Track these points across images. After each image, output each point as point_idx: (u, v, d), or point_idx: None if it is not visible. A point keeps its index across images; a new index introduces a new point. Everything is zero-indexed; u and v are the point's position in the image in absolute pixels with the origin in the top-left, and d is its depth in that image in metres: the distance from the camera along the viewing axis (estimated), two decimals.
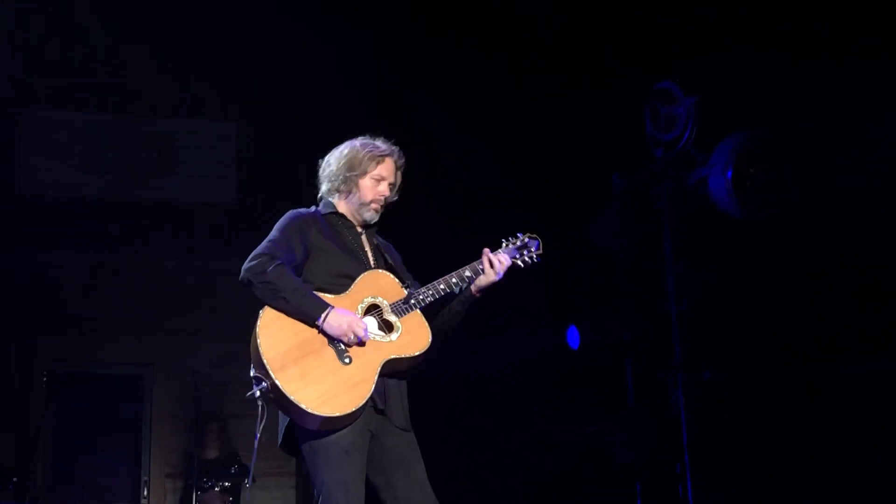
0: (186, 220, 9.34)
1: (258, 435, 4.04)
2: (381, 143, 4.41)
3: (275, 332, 3.96)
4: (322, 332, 3.99)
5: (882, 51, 6.72)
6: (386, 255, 4.38)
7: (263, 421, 4.01)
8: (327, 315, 3.97)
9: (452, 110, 8.22)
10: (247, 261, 4.07)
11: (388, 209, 4.42)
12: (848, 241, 7.03)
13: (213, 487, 8.55)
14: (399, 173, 4.41)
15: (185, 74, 8.47)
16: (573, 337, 7.48)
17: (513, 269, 4.33)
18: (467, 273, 4.26)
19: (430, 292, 4.17)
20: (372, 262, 4.30)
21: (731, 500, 6.98)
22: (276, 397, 3.91)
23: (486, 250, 4.30)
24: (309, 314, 3.98)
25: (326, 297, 4.05)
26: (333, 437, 3.93)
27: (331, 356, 3.97)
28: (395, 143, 4.46)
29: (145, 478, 9.46)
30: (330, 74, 8.38)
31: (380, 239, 4.47)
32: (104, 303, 9.53)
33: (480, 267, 4.26)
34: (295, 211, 4.32)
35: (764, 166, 7.04)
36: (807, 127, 7.18)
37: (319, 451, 3.97)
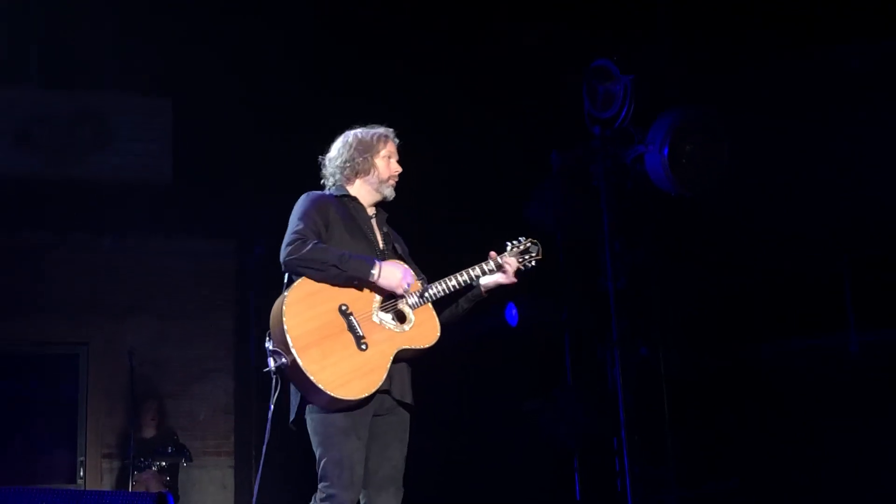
0: (121, 198, 9.21)
1: (272, 406, 4.20)
2: (379, 127, 4.61)
3: (300, 312, 4.12)
4: (343, 313, 4.16)
5: (815, 24, 6.80)
6: (395, 244, 4.53)
7: (277, 392, 4.17)
8: (381, 269, 4.18)
9: (385, 86, 8.18)
10: (282, 249, 4.22)
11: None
12: (784, 218, 7.12)
13: (150, 467, 8.48)
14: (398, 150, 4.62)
15: (118, 49, 8.35)
16: (511, 314, 7.51)
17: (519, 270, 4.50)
18: (476, 272, 4.41)
19: (442, 288, 4.33)
20: (381, 246, 4.46)
21: (667, 474, 7.06)
22: (294, 374, 4.09)
23: (493, 253, 4.47)
24: (362, 274, 4.17)
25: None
26: (334, 417, 4.14)
27: (349, 341, 4.14)
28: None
29: (81, 458, 9.35)
30: (266, 49, 8.29)
31: (389, 227, 4.61)
32: (38, 282, 9.38)
33: (488, 268, 4.43)
34: (310, 193, 4.46)
35: (700, 143, 7.10)
36: (742, 103, 7.25)
37: (320, 431, 4.18)
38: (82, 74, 8.95)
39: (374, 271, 4.17)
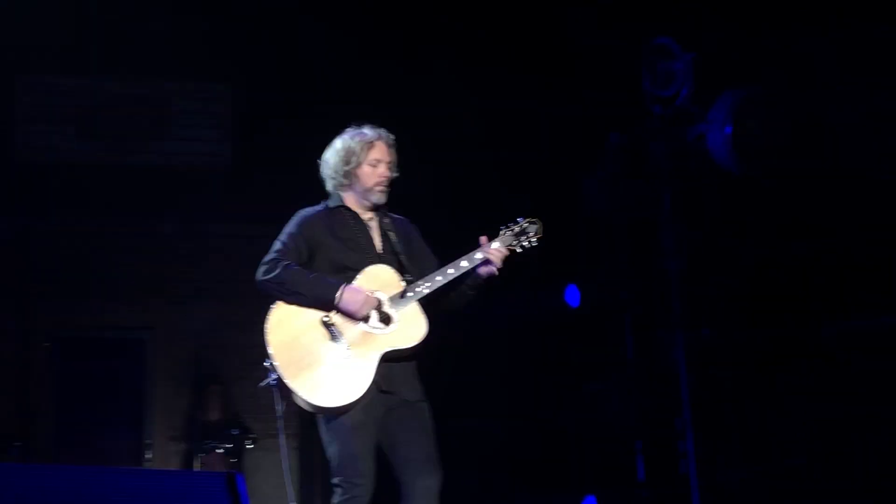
0: (182, 184, 9.31)
1: (280, 416, 4.56)
2: (367, 130, 4.59)
3: (283, 330, 4.32)
4: (325, 325, 4.31)
5: (882, 7, 6.67)
6: (394, 241, 4.54)
7: (282, 406, 4.47)
8: (342, 293, 4.28)
9: (439, 67, 8.17)
10: (258, 268, 4.42)
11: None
12: (848, 196, 7.01)
13: (215, 450, 8.58)
14: (392, 150, 4.58)
15: (177, 36, 8.41)
16: (573, 296, 7.49)
17: (511, 254, 4.47)
18: (463, 263, 4.42)
19: (427, 284, 4.38)
20: (379, 250, 4.51)
21: (730, 455, 7.02)
22: (284, 389, 4.31)
23: (483, 239, 4.45)
24: (325, 298, 4.29)
25: None
26: (342, 417, 4.28)
27: (332, 351, 4.29)
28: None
29: (148, 441, 9.49)
30: (324, 34, 8.31)
31: (394, 217, 4.65)
32: (102, 268, 9.50)
33: (477, 256, 4.42)
34: (302, 211, 4.58)
35: (763, 121, 7.01)
36: (806, 81, 7.15)
37: (330, 428, 4.34)
38: (142, 62, 9.02)
39: (337, 295, 4.27)
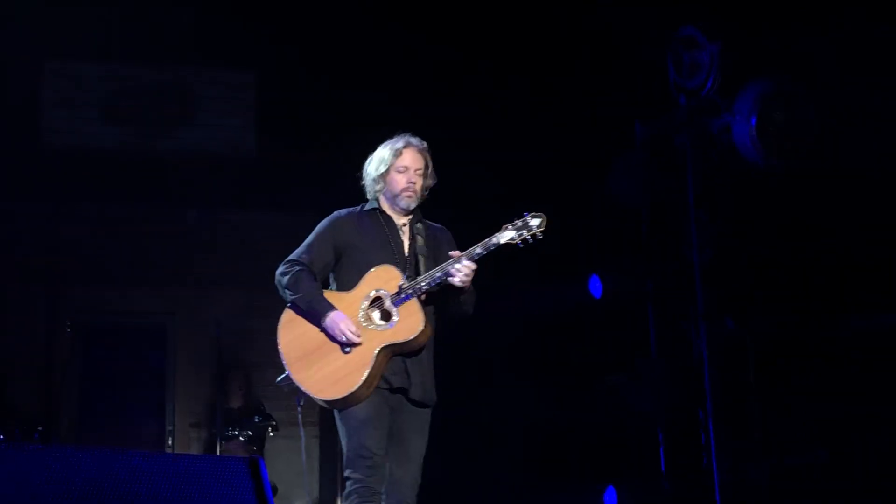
0: (206, 171, 9.32)
1: (300, 410, 5.44)
2: (398, 138, 4.83)
3: (292, 329, 4.66)
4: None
5: None
6: (420, 245, 4.77)
7: (302, 398, 5.04)
8: (325, 319, 4.57)
9: (467, 57, 8.16)
10: (280, 265, 4.74)
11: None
12: (874, 189, 6.96)
13: (237, 437, 8.60)
14: (423, 156, 4.81)
15: (202, 22, 8.41)
16: (596, 286, 7.46)
17: (511, 247, 4.60)
18: (445, 269, 4.58)
19: (419, 285, 4.58)
20: (406, 253, 4.76)
21: (752, 447, 6.99)
22: (291, 384, 4.66)
23: (454, 253, 4.63)
24: (315, 317, 4.62)
25: (336, 293, 4.70)
26: (352, 410, 4.57)
27: (334, 348, 4.57)
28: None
29: (170, 427, 9.52)
30: (349, 24, 8.31)
31: (429, 225, 4.89)
32: (125, 254, 9.55)
33: (449, 268, 4.58)
34: (335, 213, 4.87)
35: (789, 113, 6.96)
36: (832, 73, 7.09)
37: (343, 422, 4.63)
38: (167, 48, 9.04)
39: (322, 320, 4.58)
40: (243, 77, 9.48)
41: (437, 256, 4.76)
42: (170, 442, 9.42)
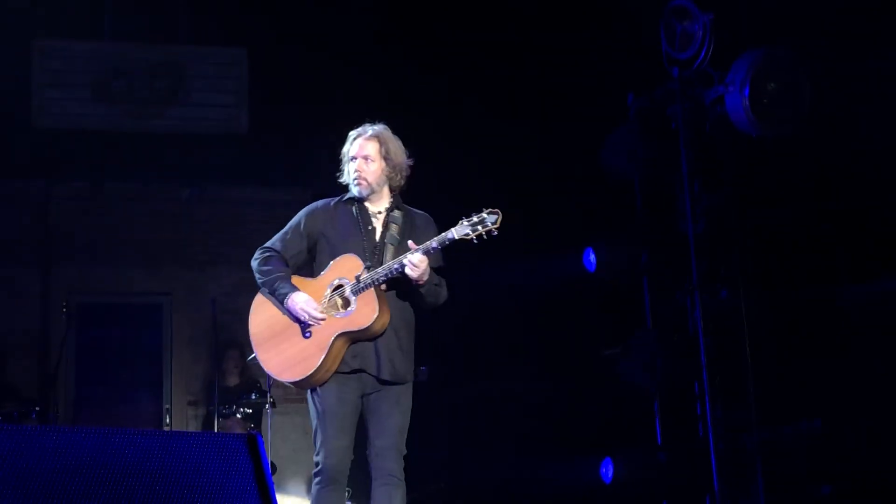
0: (199, 149, 9.30)
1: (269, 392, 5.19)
2: (359, 128, 4.93)
3: (259, 313, 4.88)
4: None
5: None
6: (392, 233, 4.82)
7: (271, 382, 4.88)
8: (287, 300, 4.74)
9: (455, 36, 8.14)
10: (256, 251, 4.93)
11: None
12: (867, 157, 6.97)
13: (234, 413, 8.61)
14: (373, 142, 4.86)
15: (193, 0, 8.39)
16: (590, 260, 7.46)
17: (466, 242, 4.65)
18: (404, 260, 4.65)
19: (377, 276, 4.68)
20: (377, 240, 4.84)
21: (748, 417, 7.01)
22: (259, 365, 4.90)
23: (410, 243, 4.69)
24: (279, 298, 4.78)
25: (304, 279, 4.84)
26: (323, 396, 4.74)
27: (296, 332, 4.75)
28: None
29: (167, 405, 9.53)
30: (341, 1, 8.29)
31: (409, 211, 4.94)
32: (119, 233, 9.55)
33: (404, 260, 4.65)
34: (311, 205, 5.00)
35: (781, 83, 6.95)
36: (824, 43, 7.08)
37: (312, 407, 4.81)
38: (158, 27, 9.01)
39: (285, 301, 4.74)
40: (235, 54, 9.44)
41: (416, 244, 4.76)
42: (167, 420, 9.43)
